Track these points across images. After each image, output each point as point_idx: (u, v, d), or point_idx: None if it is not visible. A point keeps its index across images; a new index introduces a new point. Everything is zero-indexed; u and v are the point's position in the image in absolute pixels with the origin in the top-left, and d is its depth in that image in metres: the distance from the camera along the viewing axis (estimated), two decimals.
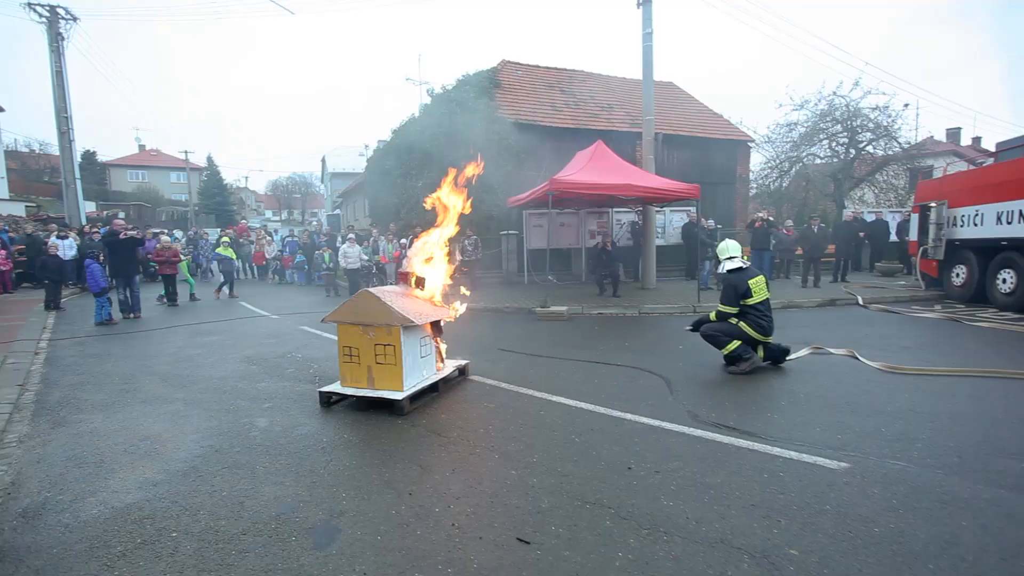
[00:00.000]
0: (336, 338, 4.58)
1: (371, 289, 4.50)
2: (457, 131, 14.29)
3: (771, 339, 5.49)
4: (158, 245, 12.88)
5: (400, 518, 2.65)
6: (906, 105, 20.26)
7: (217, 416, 4.33)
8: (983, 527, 2.43)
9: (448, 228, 5.37)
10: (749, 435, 3.62)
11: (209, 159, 51.65)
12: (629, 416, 4.07)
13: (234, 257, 14.63)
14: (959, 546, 2.29)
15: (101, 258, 9.60)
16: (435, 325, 4.97)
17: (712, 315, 5.64)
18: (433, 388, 4.75)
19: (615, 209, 14.84)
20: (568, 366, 5.82)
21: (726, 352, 5.36)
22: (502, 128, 14.76)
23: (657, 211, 13.90)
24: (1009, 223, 9.25)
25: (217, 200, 49.29)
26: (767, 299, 5.52)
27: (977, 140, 33.07)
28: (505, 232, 14.88)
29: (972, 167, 13.00)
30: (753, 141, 20.57)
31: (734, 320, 5.44)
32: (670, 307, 9.84)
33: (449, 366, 5.20)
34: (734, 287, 5.43)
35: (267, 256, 19.26)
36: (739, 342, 5.31)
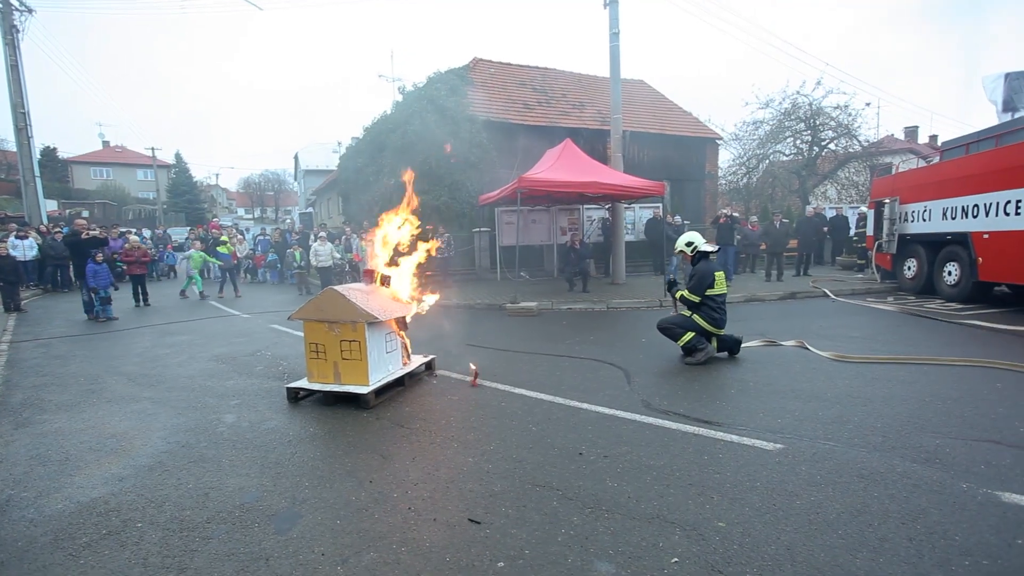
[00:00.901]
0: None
1: (336, 287, 4.61)
2: (429, 129, 14.36)
3: (723, 331, 5.77)
4: (126, 245, 12.68)
5: (359, 503, 2.79)
6: (867, 104, 21.20)
7: (184, 413, 4.39)
8: (891, 496, 2.68)
9: (404, 227, 5.47)
10: (696, 421, 3.85)
11: (177, 156, 50.60)
12: (585, 406, 4.27)
13: (232, 254, 14.49)
14: (867, 514, 2.53)
15: (100, 258, 9.46)
16: (400, 321, 5.10)
17: (678, 293, 5.93)
18: (399, 382, 4.88)
19: (585, 206, 15.10)
20: (533, 360, 6.00)
21: (681, 343, 5.62)
22: (474, 126, 14.88)
23: (626, 208, 14.20)
24: (953, 219, 9.75)
25: (187, 198, 48.23)
26: (724, 293, 5.80)
27: (934, 138, 34.34)
28: (477, 229, 15.02)
29: (923, 164, 13.61)
30: (721, 139, 21.11)
31: (688, 313, 5.71)
32: (637, 302, 10.11)
33: (415, 361, 5.33)
34: (703, 276, 5.69)
35: (239, 255, 19.00)
36: (693, 334, 5.58)
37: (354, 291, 4.64)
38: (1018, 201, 8.47)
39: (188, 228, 24.26)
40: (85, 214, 32.90)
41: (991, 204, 8.97)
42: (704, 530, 2.45)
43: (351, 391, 4.39)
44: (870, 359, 5.53)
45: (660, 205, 14.00)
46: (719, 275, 5.77)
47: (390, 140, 15.36)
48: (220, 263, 14.35)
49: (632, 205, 15.00)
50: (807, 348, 6.08)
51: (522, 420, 3.99)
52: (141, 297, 11.72)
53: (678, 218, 14.25)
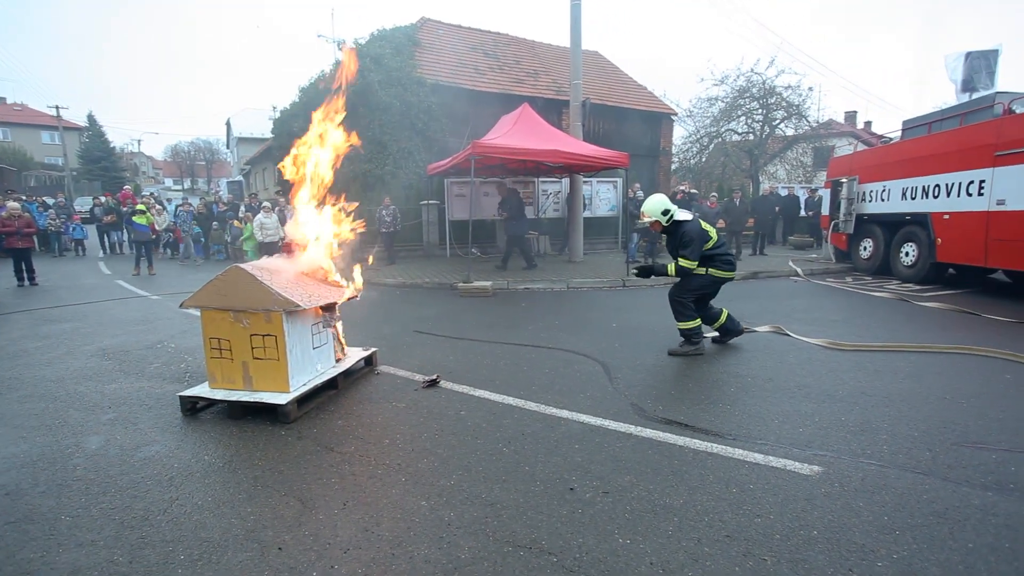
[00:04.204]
0: None
1: (243, 265, 3.54)
2: (371, 90, 12.99)
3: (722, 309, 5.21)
4: (4, 213, 10.71)
5: None
6: (810, 88, 21.03)
7: (31, 436, 3.26)
8: (991, 547, 2.03)
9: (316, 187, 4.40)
10: (705, 433, 3.13)
11: (90, 118, 45.31)
12: (566, 413, 3.46)
13: (150, 225, 12.66)
14: None
15: None
16: (331, 308, 4.10)
17: (671, 268, 5.00)
18: (331, 384, 3.91)
19: (541, 179, 14.23)
20: (494, 350, 5.15)
21: (683, 327, 4.87)
22: (422, 89, 13.62)
23: (584, 182, 13.45)
24: (913, 199, 9.58)
25: (102, 165, 43.64)
26: (721, 237, 5.12)
27: (868, 124, 35.60)
28: (425, 202, 13.89)
29: (878, 145, 13.58)
30: (676, 114, 20.67)
31: (702, 271, 4.96)
32: (599, 281, 9.44)
33: (352, 356, 4.36)
34: (700, 235, 4.88)
35: (158, 228, 16.95)
36: (699, 321, 4.93)
37: (267, 271, 3.59)
38: (981, 181, 8.29)
39: (92, 197, 21.43)
40: None
41: (953, 184, 8.79)
42: None
43: (265, 401, 3.39)
44: (864, 347, 5.04)
45: (619, 179, 13.33)
46: (706, 226, 5.02)
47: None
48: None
49: (590, 179, 14.27)
50: (787, 334, 5.55)
51: (489, 437, 3.13)
52: (26, 275, 9.97)
53: (640, 192, 13.64)
